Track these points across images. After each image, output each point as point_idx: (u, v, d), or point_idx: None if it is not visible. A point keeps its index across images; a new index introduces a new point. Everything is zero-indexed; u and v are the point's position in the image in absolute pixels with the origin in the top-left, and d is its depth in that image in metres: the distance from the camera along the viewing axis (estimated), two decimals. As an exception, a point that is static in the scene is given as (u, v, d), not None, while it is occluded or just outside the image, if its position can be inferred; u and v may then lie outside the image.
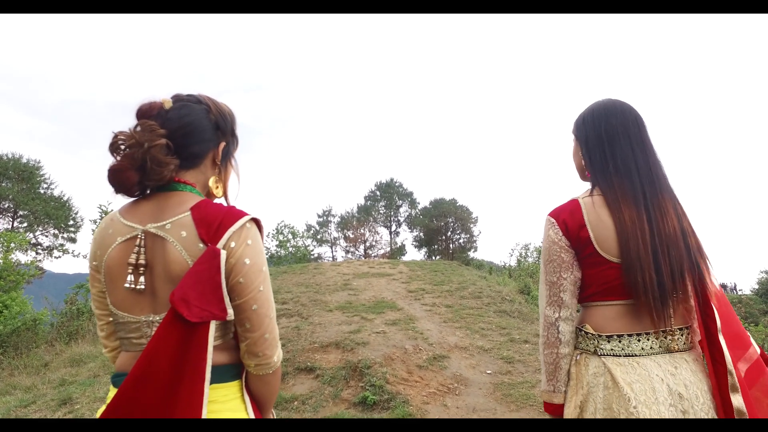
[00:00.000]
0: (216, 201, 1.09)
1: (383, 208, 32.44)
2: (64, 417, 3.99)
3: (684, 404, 1.13)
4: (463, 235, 30.53)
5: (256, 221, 1.01)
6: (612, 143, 1.24)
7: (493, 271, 13.43)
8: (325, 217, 30.75)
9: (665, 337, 1.19)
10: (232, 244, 0.95)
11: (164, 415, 0.87)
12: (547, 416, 1.29)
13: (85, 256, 12.41)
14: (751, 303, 15.52)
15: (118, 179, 0.96)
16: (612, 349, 1.18)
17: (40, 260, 19.90)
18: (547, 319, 1.24)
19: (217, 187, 1.10)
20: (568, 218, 1.22)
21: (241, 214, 0.99)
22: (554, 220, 1.24)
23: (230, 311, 0.94)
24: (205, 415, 0.89)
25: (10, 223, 19.87)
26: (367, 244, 28.09)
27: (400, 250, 29.56)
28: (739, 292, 19.54)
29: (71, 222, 21.63)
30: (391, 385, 4.10)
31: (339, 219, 30.91)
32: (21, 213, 20.12)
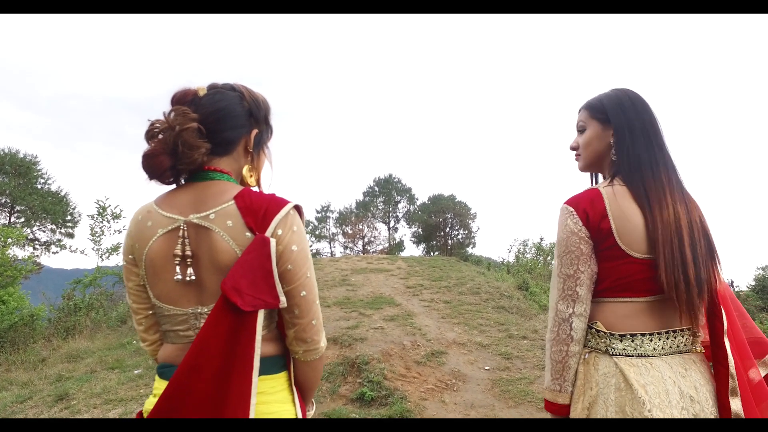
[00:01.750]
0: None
1: (382, 204, 32.36)
2: (61, 412, 3.98)
3: (695, 407, 1.09)
4: (461, 231, 30.50)
5: (298, 208, 1.00)
6: (657, 135, 1.21)
7: (491, 267, 13.43)
8: (323, 213, 30.69)
9: (675, 337, 1.14)
10: (279, 232, 0.94)
11: (216, 405, 0.88)
12: (545, 414, 1.26)
13: (83, 252, 12.37)
14: (748, 299, 15.57)
15: (150, 164, 0.95)
16: (624, 349, 1.12)
17: (37, 255, 19.84)
18: (559, 314, 1.16)
19: (251, 176, 1.08)
20: (588, 207, 1.15)
21: (284, 201, 0.98)
22: (573, 209, 1.16)
23: (283, 298, 0.94)
24: (254, 405, 0.89)
25: (7, 218, 19.78)
26: (366, 239, 28.07)
27: (399, 246, 29.53)
28: (737, 289, 19.60)
29: (69, 217, 21.52)
30: (389, 381, 4.09)
31: (337, 215, 30.86)
32: (18, 208, 20.01)
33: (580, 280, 1.14)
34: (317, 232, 29.50)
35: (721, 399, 1.13)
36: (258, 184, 1.11)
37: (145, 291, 1.02)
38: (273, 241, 0.92)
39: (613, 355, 1.13)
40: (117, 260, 11.42)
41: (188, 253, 0.94)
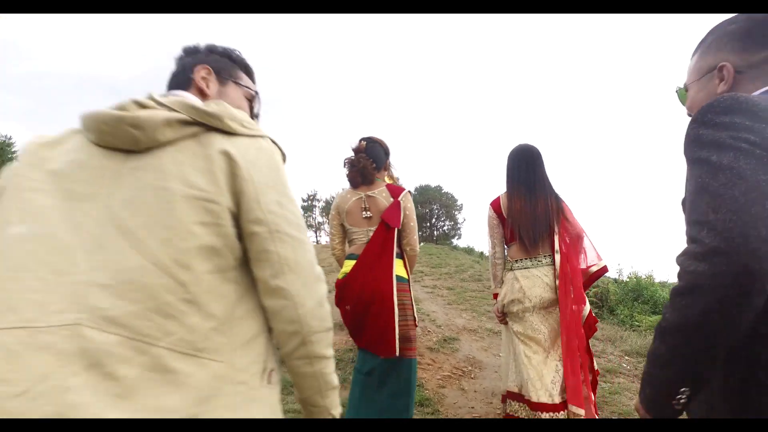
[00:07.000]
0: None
1: (368, 194, 32.06)
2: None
3: (547, 289, 2.31)
4: (447, 222, 30.55)
5: (410, 192, 2.49)
6: (517, 169, 2.42)
7: (483, 258, 13.32)
8: (309, 202, 30.29)
9: (536, 259, 2.37)
10: (402, 200, 2.40)
11: (374, 270, 2.27)
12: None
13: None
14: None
15: (351, 180, 2.49)
16: (516, 266, 2.42)
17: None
18: (492, 255, 2.54)
19: (389, 177, 2.58)
20: (495, 205, 2.50)
21: (403, 189, 2.43)
22: (491, 206, 2.52)
23: (400, 222, 2.38)
24: (394, 272, 2.27)
25: (-21, 200, 18.89)
26: (352, 229, 27.74)
27: (385, 236, 29.33)
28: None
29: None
30: (405, 368, 3.87)
31: (324, 204, 30.48)
32: (-10, 190, 19.15)
33: (496, 239, 2.51)
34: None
35: (558, 279, 2.31)
36: (393, 179, 2.61)
37: (342, 224, 2.50)
38: (401, 202, 2.39)
39: (512, 269, 2.43)
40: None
41: (366, 206, 2.41)
